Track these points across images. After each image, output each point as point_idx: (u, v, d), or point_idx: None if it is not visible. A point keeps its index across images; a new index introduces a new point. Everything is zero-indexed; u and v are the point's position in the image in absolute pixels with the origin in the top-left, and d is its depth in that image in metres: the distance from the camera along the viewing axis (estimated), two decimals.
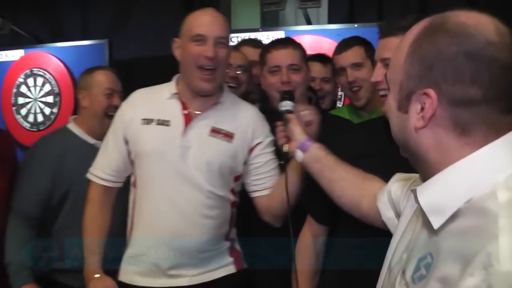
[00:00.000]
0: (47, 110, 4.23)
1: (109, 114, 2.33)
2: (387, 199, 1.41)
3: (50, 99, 4.24)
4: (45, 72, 4.24)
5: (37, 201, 2.37)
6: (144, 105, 1.99)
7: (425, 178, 0.98)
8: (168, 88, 2.01)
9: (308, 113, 1.85)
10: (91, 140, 2.42)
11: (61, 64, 4.20)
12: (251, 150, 2.02)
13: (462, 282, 0.79)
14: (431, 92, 0.90)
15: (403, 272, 0.99)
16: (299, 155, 1.69)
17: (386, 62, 1.55)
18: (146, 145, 1.93)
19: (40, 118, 4.26)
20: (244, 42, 2.87)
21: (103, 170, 2.04)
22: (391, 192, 1.39)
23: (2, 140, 2.51)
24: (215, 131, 1.95)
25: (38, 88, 4.27)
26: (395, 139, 1.04)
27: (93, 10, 4.60)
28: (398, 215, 1.32)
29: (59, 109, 4.18)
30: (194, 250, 1.92)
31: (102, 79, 2.50)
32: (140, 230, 1.96)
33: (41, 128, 4.21)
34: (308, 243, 1.93)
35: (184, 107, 1.96)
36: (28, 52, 4.34)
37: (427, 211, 0.92)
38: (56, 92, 4.20)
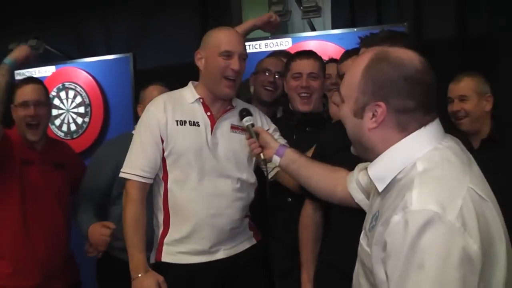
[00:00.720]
0: (79, 120, 4.52)
1: None
2: (356, 185, 1.79)
3: (81, 109, 4.54)
4: (75, 85, 4.53)
5: (100, 186, 2.74)
6: (172, 108, 2.26)
7: None
8: (190, 94, 2.32)
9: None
10: None
11: (90, 77, 4.49)
12: None
13: (391, 219, 1.21)
14: (382, 104, 1.31)
15: (365, 228, 1.43)
16: (277, 160, 1.99)
17: None
18: (185, 143, 2.22)
19: (73, 127, 4.55)
20: (278, 53, 3.25)
21: (142, 168, 2.22)
22: (359, 179, 1.78)
23: (60, 150, 2.89)
24: (234, 128, 2.31)
25: (70, 100, 4.57)
26: (349, 137, 1.46)
27: (116, 27, 4.96)
28: (368, 196, 1.70)
29: (90, 118, 4.47)
30: (228, 228, 2.25)
31: (152, 92, 2.84)
32: (180, 217, 2.24)
33: (74, 136, 4.50)
34: (310, 214, 2.29)
35: (206, 110, 2.29)
36: (59, 68, 4.63)
37: (374, 180, 1.37)
38: (87, 103, 4.50)
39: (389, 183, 1.33)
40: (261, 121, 2.42)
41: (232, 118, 2.33)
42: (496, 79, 3.79)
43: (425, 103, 1.31)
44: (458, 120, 2.78)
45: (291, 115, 2.67)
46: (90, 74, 4.51)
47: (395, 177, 1.32)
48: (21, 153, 2.66)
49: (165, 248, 2.26)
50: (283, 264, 2.49)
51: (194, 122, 2.26)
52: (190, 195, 2.22)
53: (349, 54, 2.58)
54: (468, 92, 2.79)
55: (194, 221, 2.22)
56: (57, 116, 4.61)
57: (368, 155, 1.41)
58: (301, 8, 3.69)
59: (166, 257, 2.25)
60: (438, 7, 4.06)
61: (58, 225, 2.72)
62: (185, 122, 2.25)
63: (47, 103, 2.79)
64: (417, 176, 1.24)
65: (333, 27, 4.33)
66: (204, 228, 2.22)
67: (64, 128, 4.60)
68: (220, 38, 2.26)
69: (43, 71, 4.68)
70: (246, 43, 3.73)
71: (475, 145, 2.76)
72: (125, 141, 2.85)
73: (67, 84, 4.59)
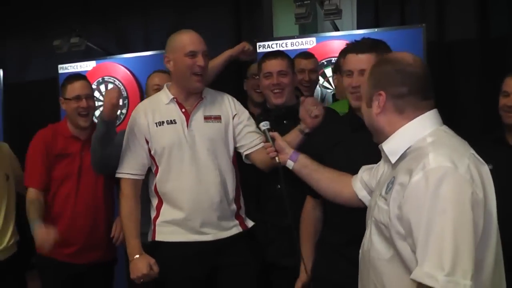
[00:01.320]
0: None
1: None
2: (360, 183, 2.06)
3: (119, 102, 4.81)
4: (114, 79, 4.79)
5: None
6: (151, 112, 2.57)
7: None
8: (164, 96, 2.61)
9: (315, 108, 2.39)
10: None
11: (128, 72, 4.74)
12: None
13: (411, 180, 1.49)
14: (382, 92, 1.66)
15: (379, 194, 1.68)
16: (291, 164, 2.24)
17: (362, 72, 2.12)
18: (165, 141, 2.52)
19: None
20: (298, 55, 3.52)
21: (132, 167, 2.58)
22: (363, 178, 2.05)
23: None
24: (207, 118, 2.59)
25: None
26: (367, 125, 1.80)
27: (153, 25, 5.20)
28: (370, 192, 1.98)
29: (127, 110, 4.73)
30: (211, 210, 2.52)
31: (153, 79, 3.18)
32: (168, 203, 2.55)
33: None
34: (310, 211, 2.46)
35: (181, 107, 2.57)
36: (99, 63, 4.89)
37: (388, 154, 1.69)
38: (124, 96, 4.76)
39: (401, 155, 1.64)
40: (235, 107, 2.68)
41: (203, 108, 2.61)
42: None
43: (417, 89, 1.63)
44: (509, 114, 2.89)
45: (268, 112, 2.91)
46: (128, 69, 4.77)
47: (405, 151, 1.63)
48: (56, 148, 3.01)
49: (157, 229, 2.58)
50: (282, 246, 2.71)
51: (171, 120, 2.55)
52: (174, 184, 2.53)
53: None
54: None
55: (179, 206, 2.52)
56: (96, 108, 4.85)
57: (380, 137, 1.73)
58: (323, 10, 3.90)
59: (159, 237, 2.58)
60: (460, 8, 4.19)
61: (95, 204, 3.04)
62: (163, 122, 2.55)
63: (93, 95, 3.15)
64: (429, 145, 1.55)
65: (358, 27, 4.52)
66: (189, 211, 2.51)
67: None
68: (184, 41, 2.54)
69: (84, 66, 4.95)
70: (274, 42, 4.03)
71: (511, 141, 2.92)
72: None
73: (106, 78, 4.85)
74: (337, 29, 4.31)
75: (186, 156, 2.52)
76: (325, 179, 2.17)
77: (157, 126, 2.55)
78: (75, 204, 3.00)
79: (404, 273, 1.53)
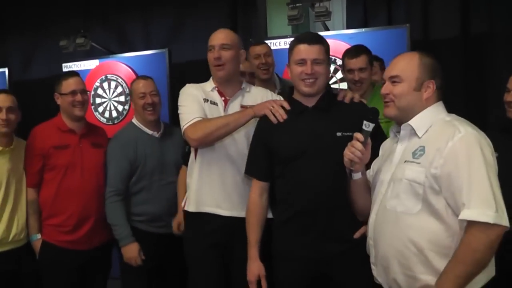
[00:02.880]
0: (120, 107, 5.04)
1: (147, 109, 3.22)
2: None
3: (122, 98, 5.04)
4: (117, 77, 5.03)
5: (122, 179, 3.20)
6: (200, 91, 2.80)
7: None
8: (209, 84, 2.85)
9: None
10: (148, 131, 3.28)
11: (130, 70, 4.98)
12: None
13: (448, 145, 1.88)
14: (432, 82, 2.02)
15: (406, 160, 2.01)
16: (358, 176, 2.20)
17: (316, 61, 2.33)
18: (208, 116, 2.73)
19: (114, 114, 5.08)
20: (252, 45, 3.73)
21: (198, 115, 2.67)
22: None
23: (98, 133, 3.44)
24: (243, 107, 2.79)
25: (112, 90, 5.09)
26: (402, 104, 2.04)
27: (153, 25, 5.44)
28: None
29: (129, 106, 4.94)
30: (232, 187, 2.74)
31: (135, 87, 3.32)
32: (202, 180, 2.77)
33: (115, 122, 5.03)
34: (256, 200, 2.56)
35: (221, 94, 2.81)
36: (102, 61, 5.15)
37: (415, 128, 2.02)
38: (126, 93, 5.00)
39: (425, 131, 2.00)
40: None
41: (241, 98, 2.83)
42: (493, 77, 4.18)
43: (443, 83, 2.06)
44: (510, 108, 3.05)
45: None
46: (130, 67, 5.00)
47: (429, 127, 2.00)
48: (53, 140, 3.20)
49: (191, 200, 2.81)
50: None
51: (213, 102, 2.79)
52: (211, 161, 2.76)
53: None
54: None
55: (204, 179, 2.77)
56: (100, 104, 5.14)
57: (408, 116, 2.04)
58: (314, 12, 4.15)
59: (189, 207, 2.82)
60: (443, 8, 4.46)
61: (101, 192, 3.22)
62: (207, 100, 2.79)
63: (86, 90, 3.36)
64: (453, 120, 1.97)
65: (348, 27, 4.79)
66: (210, 184, 2.75)
67: (107, 114, 5.13)
68: (210, 38, 2.79)
69: (88, 65, 5.21)
70: (268, 41, 4.27)
71: None
72: (132, 132, 3.30)
73: (109, 76, 5.11)
74: (327, 29, 4.56)
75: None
76: (365, 200, 2.24)
77: (204, 102, 2.76)
78: (82, 193, 3.18)
79: (432, 223, 1.90)
